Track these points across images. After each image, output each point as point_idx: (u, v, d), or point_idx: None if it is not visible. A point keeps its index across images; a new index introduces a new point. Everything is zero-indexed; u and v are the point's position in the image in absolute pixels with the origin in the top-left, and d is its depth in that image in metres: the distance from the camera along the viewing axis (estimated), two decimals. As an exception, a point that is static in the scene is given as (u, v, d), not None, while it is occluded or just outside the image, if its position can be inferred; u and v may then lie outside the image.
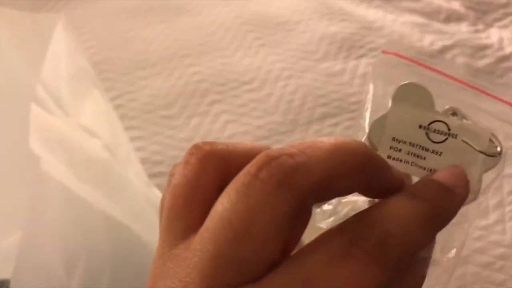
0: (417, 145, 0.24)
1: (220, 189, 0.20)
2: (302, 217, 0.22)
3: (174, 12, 0.95)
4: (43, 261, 0.49)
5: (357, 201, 0.24)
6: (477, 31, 0.93)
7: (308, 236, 0.21)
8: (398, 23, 0.94)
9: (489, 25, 0.94)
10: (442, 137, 0.24)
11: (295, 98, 0.79)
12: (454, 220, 0.22)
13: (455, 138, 0.24)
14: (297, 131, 0.75)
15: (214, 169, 0.21)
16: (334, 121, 0.76)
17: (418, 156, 0.24)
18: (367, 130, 0.24)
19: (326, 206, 0.25)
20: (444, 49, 0.88)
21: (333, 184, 0.20)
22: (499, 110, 0.25)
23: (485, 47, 0.89)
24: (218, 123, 0.75)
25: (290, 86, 0.81)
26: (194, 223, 0.20)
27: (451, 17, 0.95)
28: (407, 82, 0.24)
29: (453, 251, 0.25)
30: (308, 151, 0.20)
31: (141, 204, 0.54)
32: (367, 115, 0.25)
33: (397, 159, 0.24)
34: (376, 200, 0.22)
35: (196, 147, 0.21)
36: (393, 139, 0.24)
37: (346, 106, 0.78)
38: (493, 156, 0.24)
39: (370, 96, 0.25)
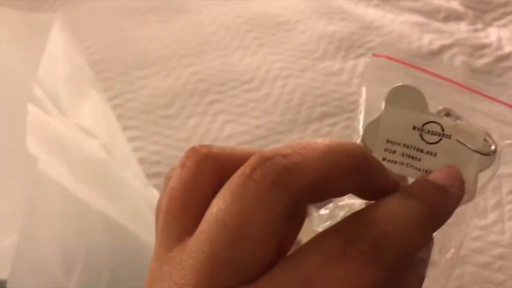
0: (411, 146, 0.24)
1: (216, 192, 0.20)
2: (297, 218, 0.22)
3: (173, 12, 0.95)
4: (41, 261, 0.49)
5: (353, 204, 0.24)
6: (476, 30, 0.93)
7: (305, 240, 0.21)
8: (397, 23, 0.93)
9: (488, 24, 0.94)
10: (436, 138, 0.24)
11: (294, 98, 0.79)
12: (451, 221, 0.22)
13: (449, 138, 0.24)
14: (296, 131, 0.74)
15: (210, 172, 0.21)
16: (333, 121, 0.76)
17: (413, 158, 0.24)
18: (361, 133, 0.25)
19: (323, 210, 0.25)
20: (443, 48, 0.88)
21: (327, 185, 0.20)
22: (494, 111, 0.25)
23: (484, 46, 0.89)
24: (216, 123, 0.75)
25: (289, 86, 0.81)
26: (190, 225, 0.20)
27: (450, 16, 0.95)
28: (400, 84, 0.24)
29: (451, 251, 0.25)
30: (302, 152, 0.20)
31: (138, 204, 0.54)
32: (361, 118, 0.25)
33: (392, 161, 0.24)
34: (372, 202, 0.22)
35: (193, 150, 0.21)
36: (387, 141, 0.24)
37: (345, 106, 0.78)
38: (488, 155, 0.24)
39: (363, 99, 0.25)
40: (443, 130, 0.24)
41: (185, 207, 0.21)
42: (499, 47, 0.88)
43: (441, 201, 0.22)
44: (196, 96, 0.79)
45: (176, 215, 0.21)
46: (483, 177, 0.24)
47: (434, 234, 0.22)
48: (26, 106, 0.49)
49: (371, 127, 0.24)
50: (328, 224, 0.25)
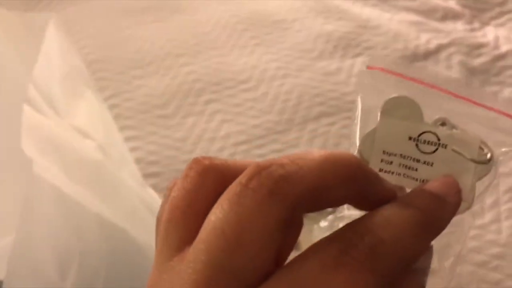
0: (408, 157, 0.24)
1: None
2: (293, 226, 0.22)
3: (169, 11, 0.95)
4: (36, 262, 0.49)
5: (353, 216, 0.24)
6: (473, 29, 0.93)
7: None
8: (394, 22, 0.93)
9: (485, 24, 0.94)
10: (433, 148, 0.24)
11: (291, 97, 0.79)
12: (449, 229, 0.22)
13: (445, 148, 0.24)
14: (293, 131, 0.74)
15: (212, 182, 0.21)
16: (330, 120, 0.76)
17: (409, 168, 0.24)
18: (357, 144, 0.25)
19: (323, 222, 0.25)
20: (440, 48, 0.88)
21: (324, 194, 0.20)
22: (490, 117, 0.25)
23: (481, 45, 0.89)
24: (213, 123, 0.75)
25: (286, 85, 0.81)
26: (190, 235, 0.20)
27: (448, 16, 0.95)
28: (395, 95, 0.25)
29: (450, 260, 0.25)
30: (299, 161, 0.20)
31: (135, 204, 0.54)
32: (357, 129, 0.25)
33: (389, 172, 0.24)
34: None
35: (196, 161, 0.22)
36: (384, 152, 0.24)
37: (343, 105, 0.78)
38: (484, 163, 0.24)
39: (358, 110, 0.25)
40: (439, 139, 0.24)
41: (186, 216, 0.21)
42: (496, 47, 0.88)
43: (438, 209, 0.22)
44: (192, 95, 0.79)
45: (177, 224, 0.21)
46: (481, 185, 0.24)
47: (433, 242, 0.22)
48: (21, 106, 0.49)
49: (367, 139, 0.24)
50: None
